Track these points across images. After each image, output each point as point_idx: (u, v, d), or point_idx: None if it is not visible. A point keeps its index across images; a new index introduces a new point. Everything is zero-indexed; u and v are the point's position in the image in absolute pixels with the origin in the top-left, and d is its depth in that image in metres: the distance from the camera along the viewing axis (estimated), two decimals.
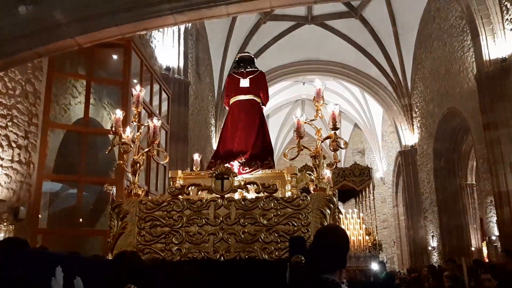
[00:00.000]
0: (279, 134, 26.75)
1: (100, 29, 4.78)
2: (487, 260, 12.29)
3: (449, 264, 8.26)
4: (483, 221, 16.32)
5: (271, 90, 22.17)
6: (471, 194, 15.52)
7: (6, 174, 6.34)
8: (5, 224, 6.04)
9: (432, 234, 16.49)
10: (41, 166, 7.15)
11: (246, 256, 4.04)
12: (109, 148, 4.78)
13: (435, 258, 16.11)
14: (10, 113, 6.44)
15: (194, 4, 4.71)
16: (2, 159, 6.25)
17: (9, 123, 6.42)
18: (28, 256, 2.24)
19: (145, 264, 2.84)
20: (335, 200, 4.26)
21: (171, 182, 5.37)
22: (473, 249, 14.76)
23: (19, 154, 6.65)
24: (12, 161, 6.48)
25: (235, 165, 5.40)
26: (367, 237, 13.96)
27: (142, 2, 4.70)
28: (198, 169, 6.18)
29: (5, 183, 6.29)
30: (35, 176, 7.05)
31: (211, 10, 4.81)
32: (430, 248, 16.65)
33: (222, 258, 4.06)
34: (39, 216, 7.17)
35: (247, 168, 5.44)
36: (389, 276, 12.90)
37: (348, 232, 13.52)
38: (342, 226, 13.73)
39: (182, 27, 12.76)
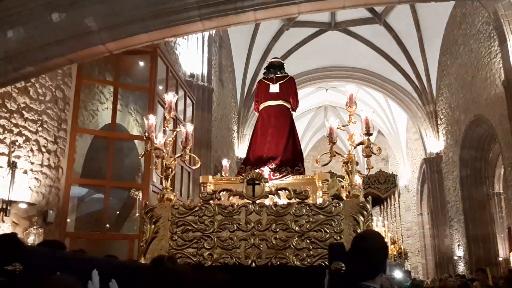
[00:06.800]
0: (301, 140, 26.60)
1: (130, 35, 4.86)
2: None
3: (479, 273, 8.13)
4: (511, 231, 15.97)
5: None
6: (498, 202, 15.21)
7: (36, 179, 6.46)
8: (35, 227, 6.15)
9: (458, 243, 16.16)
10: (69, 170, 7.27)
11: (278, 263, 4.00)
12: (142, 153, 4.84)
13: (461, 268, 15.78)
14: (41, 118, 6.58)
15: (222, 11, 4.75)
16: (33, 163, 6.37)
17: (39, 128, 6.55)
18: (66, 259, 2.27)
19: (182, 269, 2.84)
20: (368, 207, 4.21)
21: (202, 187, 5.39)
22: (500, 259, 14.43)
23: (48, 159, 6.78)
24: (41, 165, 6.60)
25: (266, 171, 5.37)
26: (392, 246, 13.73)
27: (172, 9, 4.76)
28: (227, 174, 6.19)
29: (35, 187, 6.41)
30: (64, 180, 7.17)
31: (239, 16, 4.84)
32: (456, 257, 16.31)
33: (253, 264, 4.04)
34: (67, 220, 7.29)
35: (278, 174, 5.42)
36: (413, 285, 12.70)
37: None
38: None
39: (206, 34, 12.88)
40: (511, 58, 10.79)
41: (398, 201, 15.92)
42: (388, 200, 16.45)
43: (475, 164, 15.18)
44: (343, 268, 3.05)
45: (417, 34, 17.46)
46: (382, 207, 17.43)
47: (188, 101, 10.72)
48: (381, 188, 15.14)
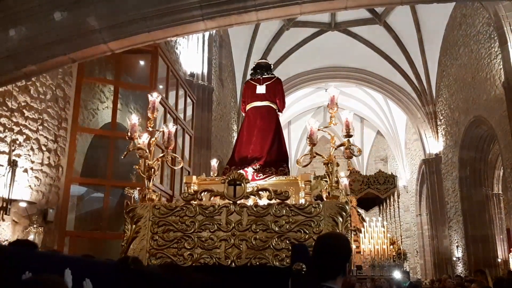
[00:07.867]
0: (300, 141, 26.65)
1: (132, 35, 4.85)
2: None
3: (478, 274, 8.14)
4: (510, 232, 16.00)
5: (293, 97, 22.20)
6: (497, 204, 15.23)
7: (36, 177, 6.45)
8: (35, 226, 6.14)
9: (457, 244, 16.18)
10: (69, 169, 7.26)
11: (257, 263, 4.01)
12: (125, 153, 4.83)
13: (459, 269, 15.80)
14: (41, 117, 6.57)
15: (224, 11, 4.75)
16: (33, 162, 6.36)
17: (40, 127, 6.54)
18: (37, 258, 2.24)
19: (150, 270, 2.84)
20: (347, 208, 4.21)
21: (186, 188, 5.42)
22: (499, 260, 14.45)
23: (48, 158, 6.77)
24: (42, 164, 6.59)
25: (249, 171, 5.39)
26: (391, 246, 13.74)
27: (174, 8, 4.75)
28: (216, 174, 6.19)
29: (35, 185, 6.40)
30: (64, 179, 7.16)
31: (241, 16, 4.83)
32: (454, 258, 16.33)
33: (233, 264, 4.04)
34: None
35: (261, 174, 5.44)
36: (412, 286, 12.69)
37: (372, 241, 13.35)
38: (366, 235, 13.57)
39: (206, 34, 12.88)
40: (511, 59, 10.80)
41: (398, 201, 15.90)
42: (387, 201, 16.44)
43: (475, 165, 15.20)
44: (304, 269, 3.06)
45: (417, 35, 17.47)
46: (381, 207, 17.42)
47: (188, 100, 10.71)
48: (381, 189, 15.11)
